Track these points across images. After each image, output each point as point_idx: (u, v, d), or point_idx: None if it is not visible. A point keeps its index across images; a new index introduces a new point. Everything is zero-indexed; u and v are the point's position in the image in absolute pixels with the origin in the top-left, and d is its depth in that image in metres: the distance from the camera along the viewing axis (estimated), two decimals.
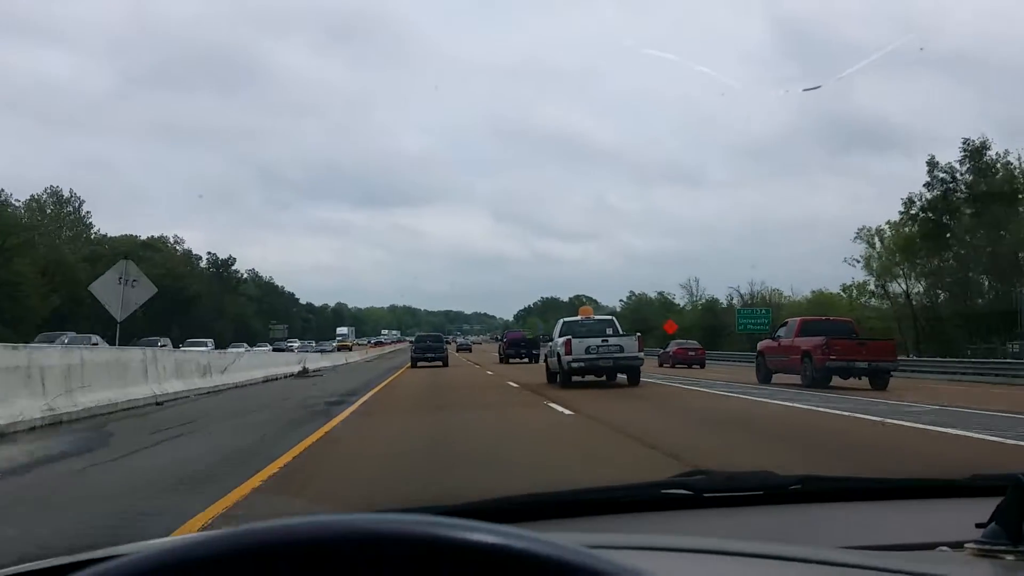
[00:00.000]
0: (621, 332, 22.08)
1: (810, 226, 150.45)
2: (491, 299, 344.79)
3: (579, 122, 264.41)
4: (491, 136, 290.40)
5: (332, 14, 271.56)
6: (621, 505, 1.87)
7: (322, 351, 57.62)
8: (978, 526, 1.33)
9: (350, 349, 69.99)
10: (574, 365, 19.88)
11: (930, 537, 1.43)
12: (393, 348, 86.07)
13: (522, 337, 51.25)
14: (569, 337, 20.15)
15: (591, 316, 22.82)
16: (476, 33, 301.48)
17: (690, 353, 43.00)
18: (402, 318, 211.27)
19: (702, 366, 41.62)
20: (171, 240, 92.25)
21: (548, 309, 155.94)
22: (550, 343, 22.71)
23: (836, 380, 21.45)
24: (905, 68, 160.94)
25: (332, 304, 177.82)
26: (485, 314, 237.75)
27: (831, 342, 21.61)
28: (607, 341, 20.14)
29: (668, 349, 44.64)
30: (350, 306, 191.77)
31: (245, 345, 55.47)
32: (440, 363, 39.00)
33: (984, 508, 1.35)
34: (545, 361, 23.63)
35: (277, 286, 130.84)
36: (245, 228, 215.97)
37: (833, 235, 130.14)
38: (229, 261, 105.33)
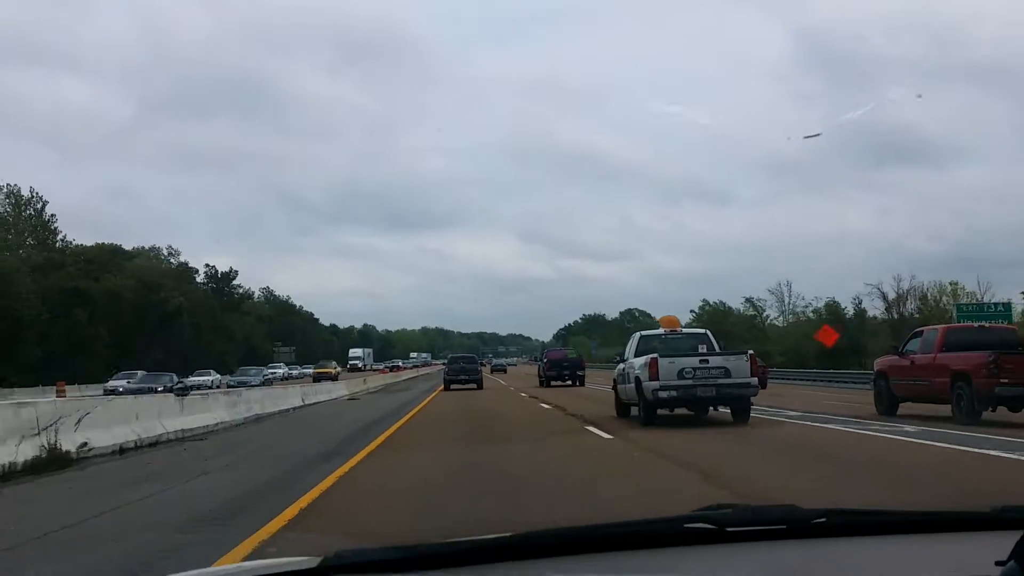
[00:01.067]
0: (718, 348, 16.49)
1: (838, 242, 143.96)
2: (525, 320, 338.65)
3: (601, 141, 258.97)
4: (514, 156, 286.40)
5: (349, 35, 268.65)
6: (644, 540, 1.83)
7: (250, 383, 43.90)
8: (998, 563, 1.32)
9: (333, 378, 53.80)
10: (662, 395, 14.50)
11: (952, 573, 1.46)
12: (415, 373, 73.50)
13: (564, 356, 45.70)
14: (654, 357, 14.62)
15: (678, 329, 17.24)
16: (495, 53, 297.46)
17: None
18: (434, 340, 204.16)
19: (764, 386, 36.20)
20: (164, 251, 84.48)
21: (593, 326, 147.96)
22: (621, 364, 17.18)
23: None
24: (935, 80, 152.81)
25: (359, 326, 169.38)
26: (520, 335, 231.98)
27: (1003, 360, 15.46)
28: (707, 362, 14.54)
29: None
30: (379, 328, 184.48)
31: (212, 373, 50.81)
32: (474, 385, 37.63)
33: (1010, 542, 1.33)
34: (613, 388, 18.14)
35: (294, 305, 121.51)
36: (272, 254, 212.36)
37: (863, 251, 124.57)
38: (230, 275, 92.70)
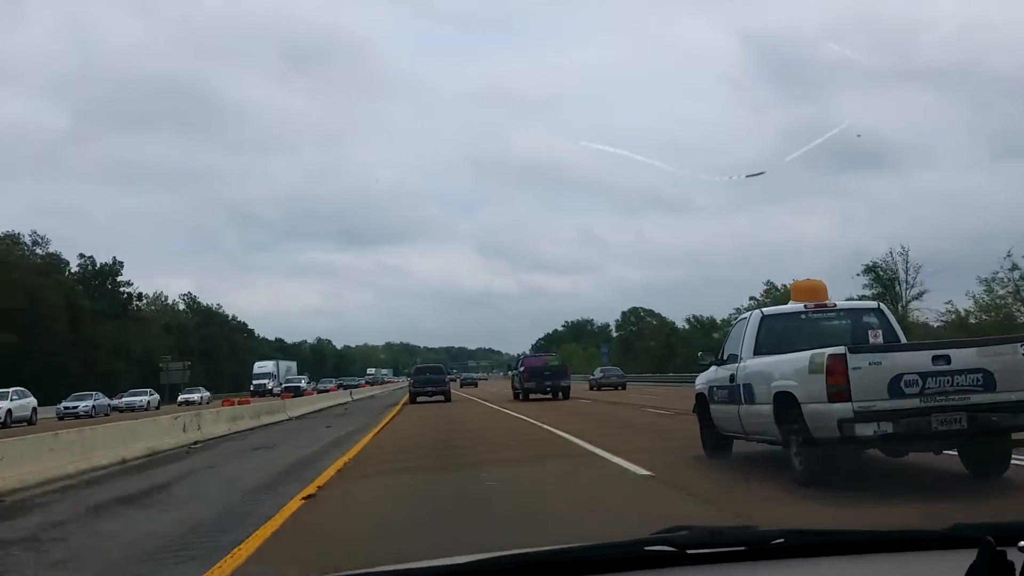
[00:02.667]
0: (901, 334, 8.69)
1: (801, 249, 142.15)
2: (494, 334, 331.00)
3: (557, 151, 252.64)
4: (471, 170, 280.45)
5: (295, 44, 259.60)
6: (605, 564, 1.81)
7: None
8: None
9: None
10: (863, 430, 6.81)
11: None
12: (335, 400, 42.16)
13: (545, 364, 37.55)
14: (837, 353, 7.22)
15: (829, 303, 9.14)
16: (448, 64, 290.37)
17: None
18: (399, 356, 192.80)
19: None
20: (25, 238, 66.54)
21: (581, 334, 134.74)
22: (714, 369, 9.32)
23: None
24: (890, 86, 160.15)
25: (312, 340, 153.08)
26: (490, 349, 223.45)
27: None
28: (947, 361, 6.58)
29: None
30: (338, 344, 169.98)
31: (98, 397, 43.13)
32: (442, 397, 36.64)
33: (964, 562, 1.32)
34: (694, 411, 10.34)
35: (225, 316, 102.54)
36: (226, 273, 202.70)
37: (827, 257, 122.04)
38: (113, 268, 73.12)
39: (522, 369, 36.69)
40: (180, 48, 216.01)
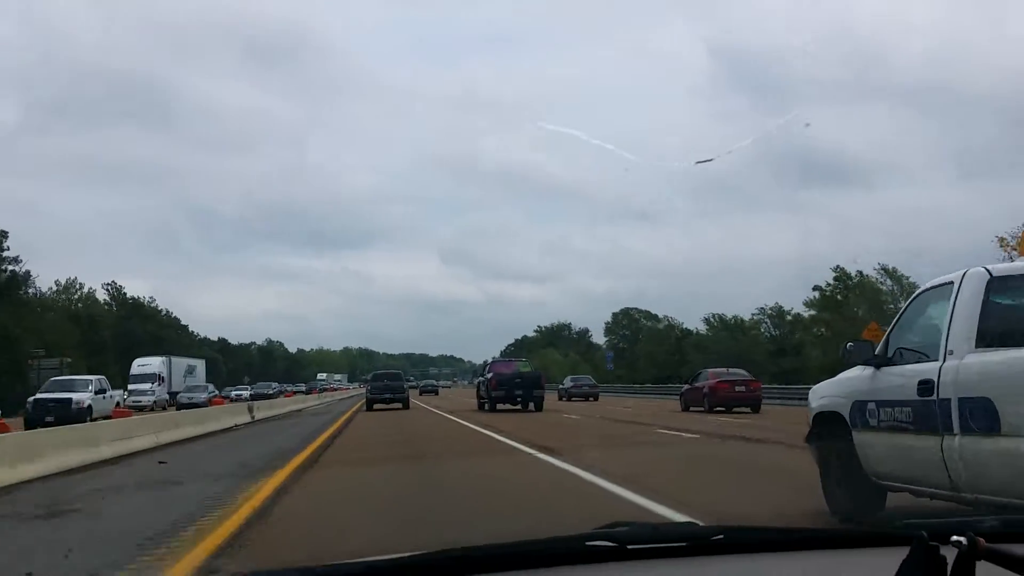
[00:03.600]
0: None
1: (771, 262, 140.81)
2: (457, 342, 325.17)
3: (524, 159, 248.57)
4: (437, 174, 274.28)
5: (258, 39, 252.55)
6: (546, 559, 1.82)
7: None
8: None
9: None
10: None
11: None
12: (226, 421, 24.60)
13: (515, 371, 33.31)
14: None
15: None
16: (417, 68, 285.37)
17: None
18: (357, 362, 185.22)
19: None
20: None
21: (557, 340, 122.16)
22: (856, 367, 4.82)
23: None
24: (858, 100, 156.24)
25: (261, 342, 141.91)
26: (452, 356, 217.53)
27: None
28: None
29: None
30: (290, 347, 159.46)
31: None
32: (400, 405, 36.12)
33: (901, 558, 1.32)
34: (811, 441, 5.84)
35: (157, 310, 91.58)
36: (186, 275, 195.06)
37: (794, 270, 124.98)
38: None
39: (490, 376, 32.32)
40: (139, 43, 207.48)
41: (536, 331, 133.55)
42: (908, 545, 1.34)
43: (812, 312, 64.31)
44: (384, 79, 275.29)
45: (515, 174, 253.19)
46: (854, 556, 1.88)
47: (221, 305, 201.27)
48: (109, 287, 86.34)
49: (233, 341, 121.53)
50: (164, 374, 57.40)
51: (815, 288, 62.90)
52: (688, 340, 78.62)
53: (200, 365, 68.63)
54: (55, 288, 74.69)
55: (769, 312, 73.25)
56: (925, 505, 5.73)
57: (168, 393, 54.84)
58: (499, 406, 30.81)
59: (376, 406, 35.51)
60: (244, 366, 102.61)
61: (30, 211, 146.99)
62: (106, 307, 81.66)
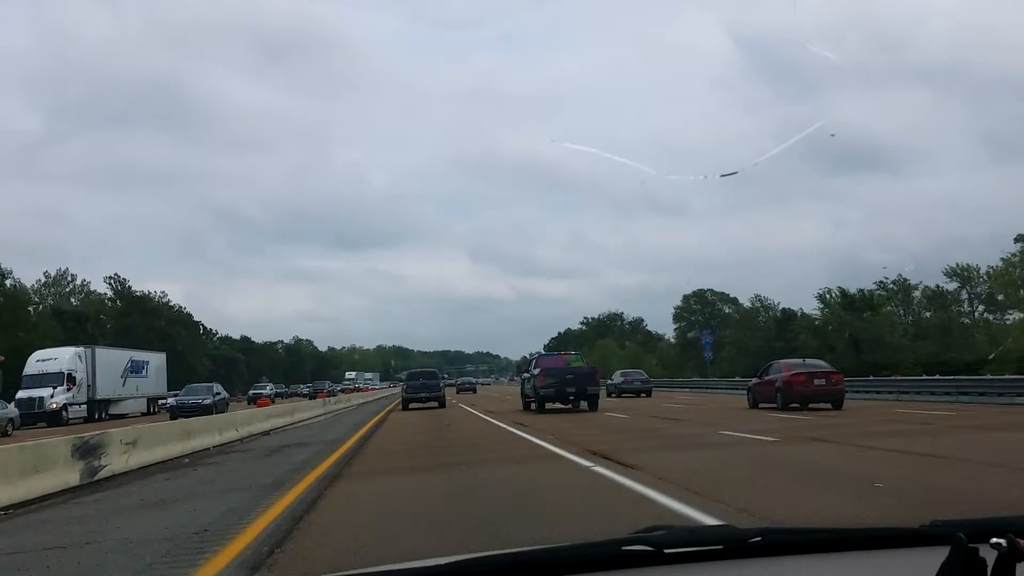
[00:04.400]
0: None
1: (798, 253, 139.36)
2: (491, 339, 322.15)
3: (550, 153, 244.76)
4: (460, 172, 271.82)
5: (273, 39, 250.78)
6: (583, 564, 1.82)
7: None
8: None
9: None
10: None
11: None
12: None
13: (566, 365, 29.65)
14: None
15: None
16: (436, 64, 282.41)
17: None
18: (391, 360, 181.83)
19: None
20: None
21: (608, 332, 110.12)
22: None
23: None
24: (888, 85, 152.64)
25: (288, 340, 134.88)
26: (488, 353, 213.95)
27: None
28: None
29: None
30: (321, 346, 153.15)
31: None
32: (436, 404, 35.53)
33: (940, 559, 1.33)
34: None
35: (168, 305, 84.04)
36: (216, 278, 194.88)
37: (823, 261, 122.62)
38: None
39: (537, 372, 28.73)
40: (153, 44, 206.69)
41: (583, 323, 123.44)
42: (946, 545, 1.33)
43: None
44: (403, 77, 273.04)
45: (539, 170, 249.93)
46: (892, 557, 1.88)
47: (249, 308, 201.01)
48: (112, 280, 79.86)
49: (258, 340, 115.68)
50: (80, 373, 40.97)
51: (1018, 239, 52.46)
52: (795, 324, 67.49)
53: (155, 361, 50.37)
54: (44, 280, 70.49)
55: (891, 286, 63.41)
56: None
57: (91, 400, 41.57)
58: (548, 405, 27.80)
59: (412, 405, 35.28)
60: (269, 366, 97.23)
61: (56, 217, 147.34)
62: (108, 302, 76.63)
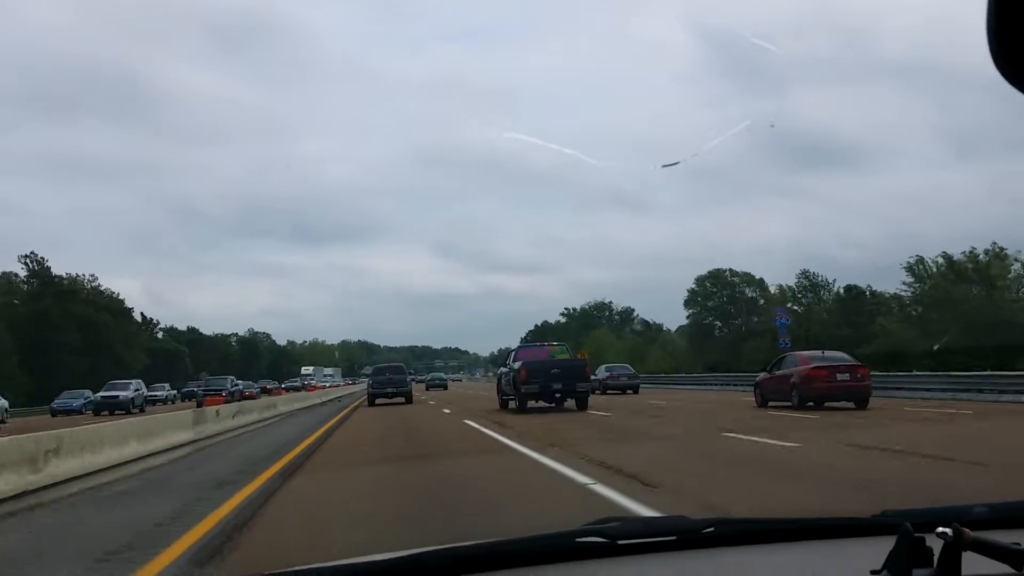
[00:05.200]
0: None
1: (764, 250, 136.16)
2: (459, 335, 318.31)
3: (513, 147, 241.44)
4: (421, 166, 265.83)
5: (229, 23, 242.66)
6: (536, 556, 1.82)
7: None
8: (873, 572, 1.35)
9: None
10: None
11: None
12: None
13: (550, 357, 26.35)
14: None
15: None
16: (397, 57, 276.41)
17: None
18: (356, 355, 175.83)
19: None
20: None
21: (595, 323, 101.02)
22: None
23: None
24: (850, 81, 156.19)
25: (243, 333, 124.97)
26: (457, 349, 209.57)
27: None
28: None
29: None
30: (278, 340, 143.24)
31: None
32: (403, 399, 34.91)
33: (887, 548, 1.36)
34: None
35: (99, 290, 74.42)
36: (172, 272, 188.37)
37: (788, 258, 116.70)
38: None
39: (518, 366, 25.08)
40: (102, 30, 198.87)
41: (564, 314, 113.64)
42: (895, 535, 1.36)
43: None
44: (365, 68, 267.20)
45: (502, 164, 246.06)
46: (842, 547, 1.91)
47: (208, 303, 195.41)
48: (28, 259, 69.56)
49: (209, 332, 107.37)
50: None
51: None
52: (865, 303, 55.32)
53: None
54: None
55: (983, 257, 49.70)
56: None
57: None
58: (531, 404, 24.64)
59: (378, 401, 34.83)
60: (220, 360, 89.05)
61: (5, 208, 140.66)
62: (24, 284, 67.23)
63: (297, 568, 1.70)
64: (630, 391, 38.28)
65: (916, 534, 1.30)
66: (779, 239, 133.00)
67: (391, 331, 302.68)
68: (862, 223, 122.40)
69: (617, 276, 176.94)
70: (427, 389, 59.72)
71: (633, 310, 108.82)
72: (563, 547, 1.82)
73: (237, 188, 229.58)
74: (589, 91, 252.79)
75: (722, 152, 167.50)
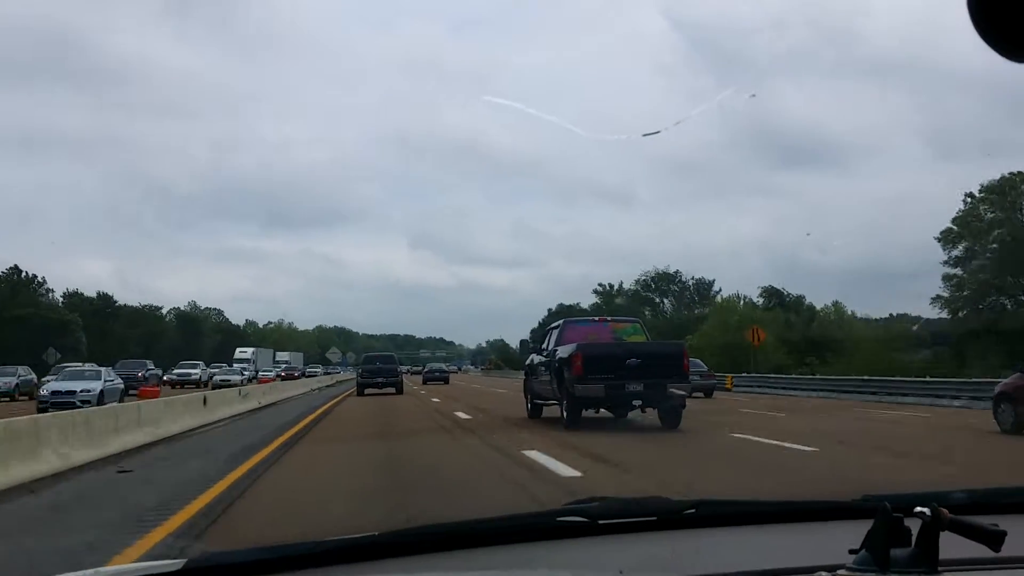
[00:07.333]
0: None
1: (747, 247, 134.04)
2: (442, 325, 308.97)
3: (493, 137, 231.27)
4: (401, 153, 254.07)
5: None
6: (518, 534, 1.86)
7: None
8: (851, 552, 1.36)
9: None
10: None
11: (812, 561, 1.48)
12: None
13: (617, 341, 17.01)
14: None
15: None
16: (372, 39, 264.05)
17: None
18: (331, 342, 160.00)
19: None
20: None
21: (644, 301, 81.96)
22: None
23: None
24: (833, 77, 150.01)
25: (183, 307, 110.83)
26: (442, 339, 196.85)
27: None
28: None
29: None
30: (234, 319, 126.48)
31: None
32: (393, 390, 34.80)
33: (865, 530, 1.37)
34: None
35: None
36: (140, 255, 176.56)
37: (766, 256, 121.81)
38: None
39: (568, 354, 15.70)
40: None
41: (599, 291, 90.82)
42: (874, 517, 1.39)
43: None
44: (341, 48, 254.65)
45: (481, 153, 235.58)
46: (823, 528, 1.92)
47: (179, 287, 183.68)
48: None
49: (130, 303, 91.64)
50: None
51: None
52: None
53: None
54: None
55: None
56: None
57: None
58: (585, 410, 15.96)
59: (368, 391, 34.77)
60: (146, 337, 76.21)
61: None
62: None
63: (251, 548, 1.70)
64: (703, 393, 27.69)
65: (895, 514, 1.31)
66: (759, 237, 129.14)
67: (369, 320, 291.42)
68: (842, 224, 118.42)
69: (597, 271, 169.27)
70: (424, 383, 50.37)
71: (713, 281, 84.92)
72: (545, 526, 1.85)
73: (208, 170, 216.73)
74: (570, 79, 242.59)
75: (696, 142, 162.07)
